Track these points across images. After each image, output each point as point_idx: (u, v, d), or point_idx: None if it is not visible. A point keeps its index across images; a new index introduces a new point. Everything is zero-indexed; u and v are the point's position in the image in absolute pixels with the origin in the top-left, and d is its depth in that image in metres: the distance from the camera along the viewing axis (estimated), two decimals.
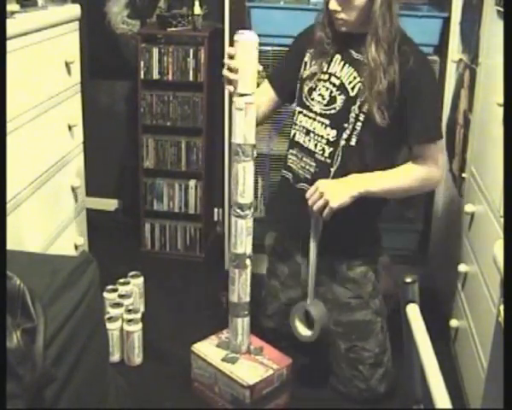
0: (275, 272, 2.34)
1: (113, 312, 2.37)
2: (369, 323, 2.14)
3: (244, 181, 2.00)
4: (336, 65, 2.09)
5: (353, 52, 2.05)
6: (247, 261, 2.08)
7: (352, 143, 2.04)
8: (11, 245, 1.62)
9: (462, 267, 2.19)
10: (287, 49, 2.36)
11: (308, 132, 2.12)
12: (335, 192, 1.96)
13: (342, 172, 2.03)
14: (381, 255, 2.25)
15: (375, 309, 2.14)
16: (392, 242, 2.74)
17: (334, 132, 2.06)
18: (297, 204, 2.10)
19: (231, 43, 2.70)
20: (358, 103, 2.02)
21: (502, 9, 1.87)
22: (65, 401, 1.36)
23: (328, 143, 2.07)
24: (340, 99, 2.06)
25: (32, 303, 1.25)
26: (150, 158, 3.05)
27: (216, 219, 3.39)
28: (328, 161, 2.07)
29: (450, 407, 1.05)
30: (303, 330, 2.16)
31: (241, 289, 2.10)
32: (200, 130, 2.99)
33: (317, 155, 2.09)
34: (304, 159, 2.12)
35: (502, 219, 1.74)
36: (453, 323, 2.27)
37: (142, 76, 2.94)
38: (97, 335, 1.60)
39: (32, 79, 2.14)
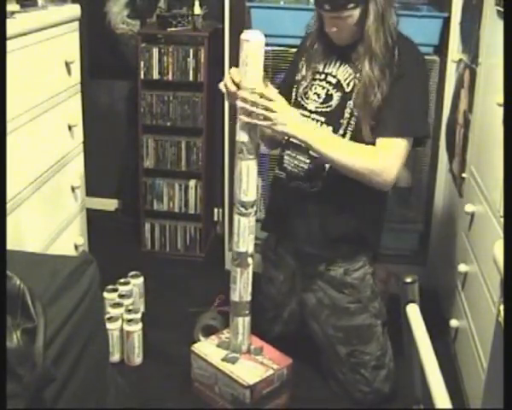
0: (270, 279, 2.34)
1: (113, 312, 2.37)
2: (369, 326, 2.13)
3: (248, 179, 2.00)
4: (332, 66, 2.10)
5: (349, 55, 2.06)
6: (249, 260, 2.08)
7: (347, 138, 2.04)
8: (11, 245, 1.62)
9: (462, 267, 2.19)
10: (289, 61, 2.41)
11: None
12: (286, 120, 1.93)
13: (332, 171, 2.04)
14: (377, 260, 2.25)
15: (374, 312, 2.14)
16: (392, 242, 2.74)
17: (329, 129, 2.06)
18: (291, 202, 2.12)
19: (231, 43, 2.72)
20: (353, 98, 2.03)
21: (502, 9, 1.87)
22: (65, 400, 1.36)
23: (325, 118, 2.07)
24: (337, 96, 2.07)
25: (32, 303, 1.25)
26: (150, 158, 3.05)
27: (216, 219, 3.39)
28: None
29: (450, 407, 1.05)
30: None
31: (242, 288, 2.10)
32: (200, 130, 2.99)
33: (311, 152, 2.06)
34: (298, 157, 2.12)
35: (502, 219, 1.74)
36: (453, 323, 2.27)
37: (142, 76, 2.94)
38: (97, 335, 1.60)
39: (32, 79, 2.14)
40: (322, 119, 2.08)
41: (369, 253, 2.18)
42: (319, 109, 2.09)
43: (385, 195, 2.15)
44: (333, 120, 2.06)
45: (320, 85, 2.11)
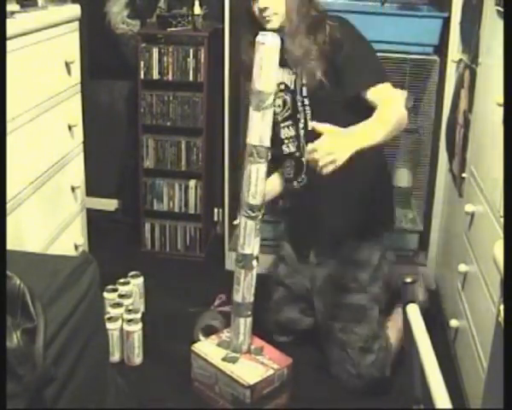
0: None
1: (113, 312, 2.37)
2: (362, 308, 2.17)
3: (256, 182, 2.00)
4: (281, 74, 2.17)
5: (283, 58, 2.07)
6: (254, 262, 2.08)
7: (309, 128, 2.11)
8: (11, 245, 1.62)
9: (462, 267, 2.19)
10: None
11: (283, 141, 2.26)
12: (341, 147, 1.81)
13: None
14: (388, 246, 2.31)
15: (372, 296, 2.17)
16: (392, 242, 2.74)
17: (293, 128, 2.20)
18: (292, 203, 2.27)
19: (231, 43, 2.72)
20: (298, 86, 2.14)
21: (502, 9, 1.87)
22: (65, 400, 1.36)
23: (293, 138, 2.22)
24: (288, 98, 2.20)
25: (32, 303, 1.25)
26: (150, 158, 3.05)
27: (216, 219, 3.39)
28: (298, 154, 2.21)
29: (450, 407, 1.05)
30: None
31: (245, 289, 2.10)
32: (200, 130, 2.99)
33: (293, 155, 2.23)
34: (288, 163, 2.27)
35: (502, 219, 1.74)
36: (453, 323, 2.27)
37: (142, 76, 2.94)
38: (97, 335, 1.60)
39: (32, 79, 2.14)
40: (289, 122, 2.21)
41: (379, 233, 2.23)
42: (283, 116, 2.22)
43: (382, 173, 2.26)
44: (293, 118, 2.20)
45: (279, 97, 2.20)
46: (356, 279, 2.19)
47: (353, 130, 1.86)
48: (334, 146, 1.76)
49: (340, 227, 2.20)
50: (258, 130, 1.97)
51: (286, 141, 2.25)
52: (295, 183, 2.26)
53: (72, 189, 2.54)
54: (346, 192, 2.16)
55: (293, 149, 2.24)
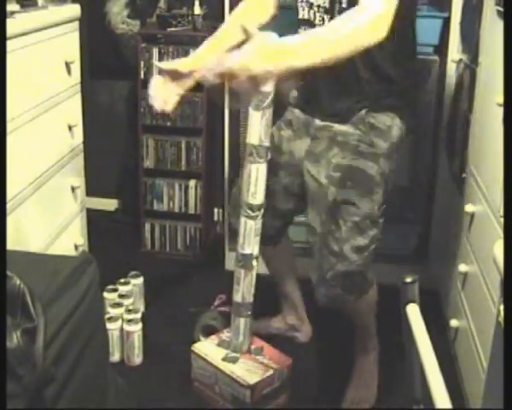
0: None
1: (113, 312, 2.37)
2: (370, 178, 1.93)
3: (256, 182, 2.00)
4: None
5: None
6: (254, 262, 2.08)
7: (344, 5, 1.86)
8: (11, 245, 1.62)
9: (462, 267, 2.19)
10: None
11: (311, 5, 1.96)
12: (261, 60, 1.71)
13: None
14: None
15: (382, 170, 1.94)
16: (392, 242, 2.74)
17: None
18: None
19: None
20: None
21: (502, 9, 1.87)
22: (65, 400, 1.36)
23: (326, 10, 1.92)
24: None
25: (32, 303, 1.25)
26: (150, 158, 3.05)
27: (216, 219, 3.39)
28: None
29: (450, 407, 1.05)
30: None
31: (245, 289, 2.10)
32: (200, 130, 2.99)
33: (316, 25, 1.94)
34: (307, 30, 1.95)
35: (502, 219, 1.74)
36: (453, 323, 2.27)
37: (142, 76, 2.95)
38: (97, 335, 1.60)
39: (32, 79, 2.14)
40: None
41: (402, 106, 2.00)
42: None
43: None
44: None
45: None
46: (372, 144, 1.92)
47: (282, 45, 1.71)
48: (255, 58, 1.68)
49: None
50: (258, 129, 1.96)
51: (311, 6, 1.96)
52: None
53: (72, 189, 2.54)
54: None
55: (312, 17, 1.97)
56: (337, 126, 1.99)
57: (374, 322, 2.18)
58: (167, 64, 2.19)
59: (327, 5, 1.92)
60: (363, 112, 1.96)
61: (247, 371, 2.06)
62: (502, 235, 1.66)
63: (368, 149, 1.93)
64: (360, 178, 1.94)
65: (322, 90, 2.03)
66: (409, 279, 1.28)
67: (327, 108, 2.02)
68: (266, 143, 1.98)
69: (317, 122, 2.06)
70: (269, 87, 1.92)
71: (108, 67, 3.39)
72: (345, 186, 1.93)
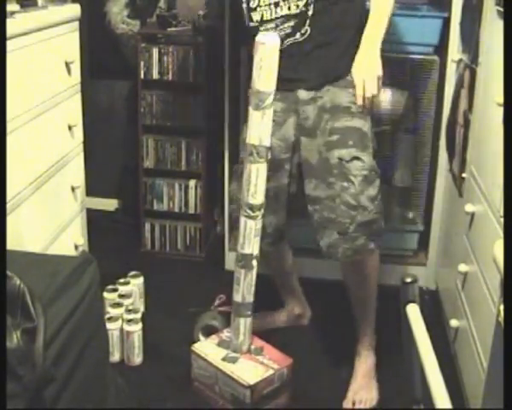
0: None
1: (113, 312, 2.37)
2: (365, 135, 2.07)
3: (256, 182, 2.00)
4: None
5: None
6: (254, 262, 2.08)
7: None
8: (11, 245, 1.62)
9: (462, 267, 2.19)
10: None
11: (277, 4, 2.03)
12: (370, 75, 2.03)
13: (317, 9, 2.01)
14: None
15: (369, 126, 2.10)
16: (392, 242, 2.74)
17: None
18: (291, 55, 2.05)
19: (231, 44, 2.72)
20: None
21: (502, 9, 1.87)
22: (65, 401, 1.36)
23: None
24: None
25: (32, 303, 1.25)
26: (150, 158, 3.05)
27: (216, 219, 3.39)
28: (303, 9, 2.01)
29: (450, 407, 1.05)
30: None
31: (245, 289, 2.10)
32: (200, 130, 2.99)
33: (291, 13, 2.02)
34: (281, 25, 2.04)
35: (502, 219, 1.74)
36: (453, 323, 2.27)
37: (142, 76, 2.95)
38: (97, 335, 1.60)
39: (32, 79, 2.14)
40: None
41: None
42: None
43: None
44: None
45: None
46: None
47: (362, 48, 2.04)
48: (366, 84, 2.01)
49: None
50: (258, 129, 1.97)
51: (277, 4, 2.03)
52: (298, 36, 2.03)
53: (72, 189, 2.54)
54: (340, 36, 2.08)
55: (286, 11, 2.03)
56: (326, 94, 2.09)
57: (375, 299, 2.21)
58: None
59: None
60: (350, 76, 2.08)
61: (247, 371, 2.06)
62: (502, 235, 1.66)
63: (358, 110, 2.06)
64: (358, 136, 2.06)
65: (307, 60, 2.09)
66: (409, 279, 1.29)
67: (314, 77, 2.10)
68: (266, 143, 1.98)
69: (303, 95, 2.11)
70: (270, 88, 1.92)
71: (108, 67, 3.39)
72: (347, 145, 2.04)
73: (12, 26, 1.93)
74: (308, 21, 2.03)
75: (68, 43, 2.43)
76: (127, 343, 2.32)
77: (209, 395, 2.13)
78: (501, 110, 1.69)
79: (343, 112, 2.06)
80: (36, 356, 1.21)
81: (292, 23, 2.04)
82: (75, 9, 2.50)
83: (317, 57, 2.07)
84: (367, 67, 2.04)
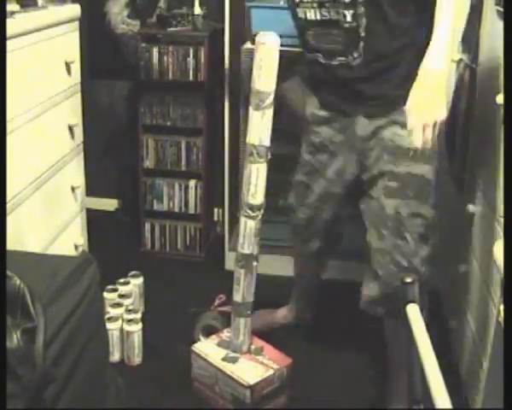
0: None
1: (113, 312, 2.37)
2: (428, 183, 1.84)
3: (256, 182, 2.01)
4: None
5: None
6: (254, 262, 2.08)
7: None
8: (11, 245, 1.62)
9: (462, 267, 2.19)
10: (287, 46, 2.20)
11: (321, 4, 1.83)
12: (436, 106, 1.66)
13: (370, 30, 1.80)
14: None
15: (434, 168, 1.88)
16: None
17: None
18: (334, 79, 1.91)
19: (231, 43, 2.72)
20: None
21: (502, 9, 1.87)
22: (65, 401, 1.36)
23: (346, 6, 1.79)
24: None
25: (32, 303, 1.25)
26: (150, 158, 3.05)
27: (216, 219, 3.39)
28: (354, 24, 1.80)
29: (450, 407, 1.05)
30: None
31: (245, 289, 2.10)
32: (200, 130, 2.99)
33: (340, 23, 1.82)
34: (330, 32, 1.86)
35: (502, 219, 1.74)
36: (453, 323, 2.27)
37: (142, 76, 2.95)
38: (97, 335, 1.60)
39: (32, 78, 2.14)
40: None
41: None
42: None
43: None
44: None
45: None
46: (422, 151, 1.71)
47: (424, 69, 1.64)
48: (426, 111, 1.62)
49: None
50: (258, 129, 1.97)
51: (321, 5, 1.82)
52: (349, 58, 1.84)
53: (72, 189, 2.54)
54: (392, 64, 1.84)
55: (333, 16, 1.83)
56: (386, 130, 1.86)
57: None
58: None
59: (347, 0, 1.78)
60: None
61: (247, 372, 2.06)
62: (502, 235, 1.66)
63: (422, 152, 1.72)
64: (420, 186, 1.84)
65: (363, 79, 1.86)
66: (409, 279, 1.29)
67: (371, 98, 1.85)
68: (266, 143, 1.98)
69: (362, 124, 1.90)
70: (270, 88, 1.93)
71: (108, 67, 3.39)
72: (406, 197, 1.83)
73: (12, 26, 1.93)
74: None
75: (68, 44, 2.43)
76: (127, 343, 2.32)
77: (209, 395, 2.13)
78: (501, 110, 1.69)
79: (404, 154, 1.80)
80: (36, 356, 1.21)
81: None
82: (75, 9, 2.50)
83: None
84: (427, 105, 1.66)
